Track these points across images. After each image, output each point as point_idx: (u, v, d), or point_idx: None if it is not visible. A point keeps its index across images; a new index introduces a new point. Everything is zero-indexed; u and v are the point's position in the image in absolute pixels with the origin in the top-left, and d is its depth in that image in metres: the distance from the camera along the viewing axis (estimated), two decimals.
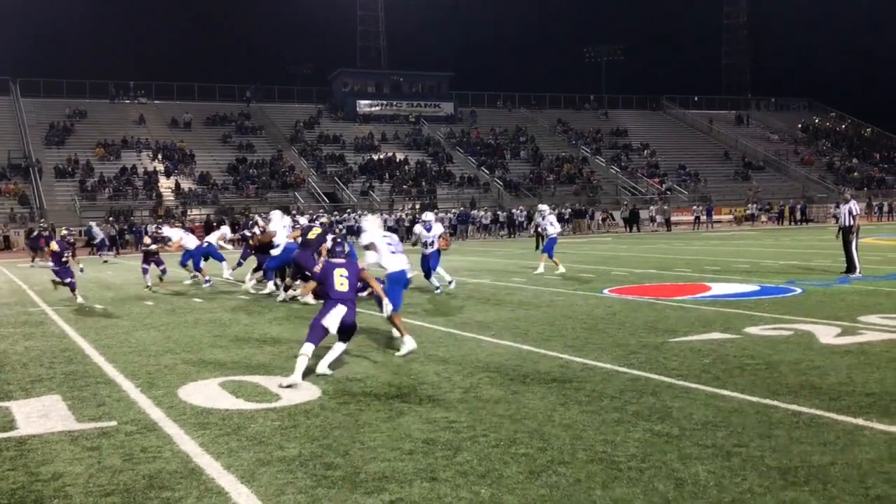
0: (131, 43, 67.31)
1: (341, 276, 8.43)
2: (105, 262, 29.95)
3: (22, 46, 61.75)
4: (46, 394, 7.45)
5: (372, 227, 10.31)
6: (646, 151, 67.75)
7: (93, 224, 35.39)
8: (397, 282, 9.87)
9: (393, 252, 10.01)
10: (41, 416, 6.66)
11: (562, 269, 18.86)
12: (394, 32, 77.18)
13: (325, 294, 8.45)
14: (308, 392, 7.17)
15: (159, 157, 54.56)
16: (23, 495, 4.81)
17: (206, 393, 7.29)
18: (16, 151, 51.83)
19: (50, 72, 57.86)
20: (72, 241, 16.56)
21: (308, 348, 7.76)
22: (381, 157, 60.04)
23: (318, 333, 7.99)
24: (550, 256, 19.25)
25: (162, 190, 50.67)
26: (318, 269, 9.41)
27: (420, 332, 10.58)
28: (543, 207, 21.18)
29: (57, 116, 56.97)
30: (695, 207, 52.18)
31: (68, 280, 15.38)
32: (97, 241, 33.38)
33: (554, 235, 19.52)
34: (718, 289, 14.69)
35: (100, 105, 60.40)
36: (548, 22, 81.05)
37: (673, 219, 50.39)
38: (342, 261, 8.68)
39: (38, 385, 7.86)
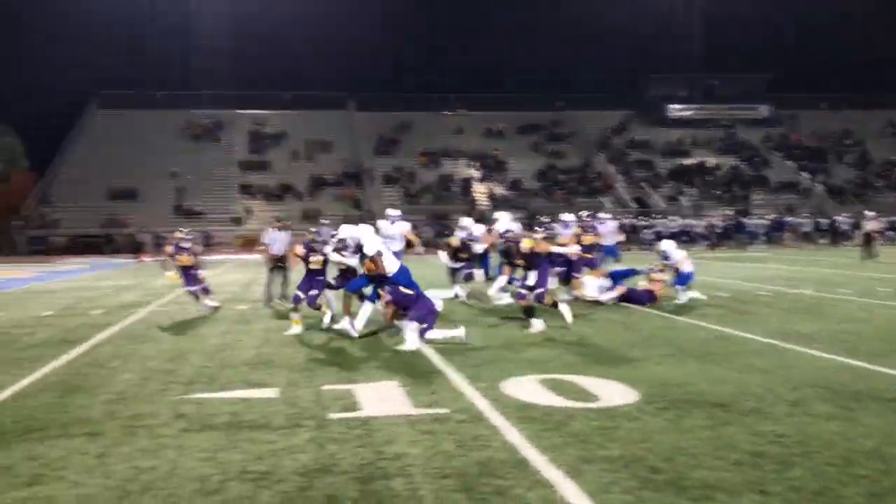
0: (453, 58, 71.51)
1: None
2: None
3: (358, 66, 67.65)
4: (385, 380, 8.15)
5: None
6: None
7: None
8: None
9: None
10: (381, 399, 7.27)
11: None
12: (707, 35, 74.39)
13: (411, 287, 10.53)
14: (626, 395, 7.23)
15: (475, 164, 57.23)
16: (371, 471, 5.29)
17: (526, 388, 7.58)
18: (350, 160, 57.09)
19: (380, 87, 62.86)
20: (316, 247, 12.18)
21: (435, 333, 10.06)
22: (692, 162, 58.39)
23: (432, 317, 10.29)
24: None
25: (476, 195, 53.12)
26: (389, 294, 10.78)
27: (736, 341, 10.23)
28: None
29: (385, 129, 61.74)
30: None
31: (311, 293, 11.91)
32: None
33: None
34: None
35: (423, 117, 64.49)
36: (873, 14, 73.73)
37: None
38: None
39: (378, 372, 8.60)
